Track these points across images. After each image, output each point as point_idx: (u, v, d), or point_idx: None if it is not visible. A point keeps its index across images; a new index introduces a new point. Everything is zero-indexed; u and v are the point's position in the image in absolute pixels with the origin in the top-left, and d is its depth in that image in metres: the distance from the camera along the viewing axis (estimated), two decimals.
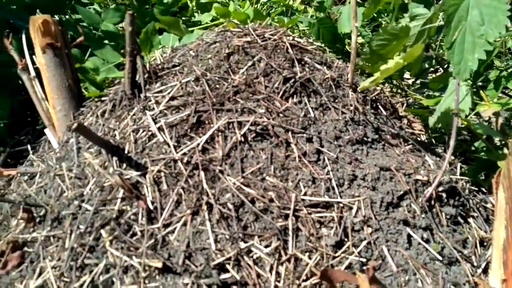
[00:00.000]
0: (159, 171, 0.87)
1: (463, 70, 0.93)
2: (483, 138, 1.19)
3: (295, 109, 0.99)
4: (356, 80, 1.19)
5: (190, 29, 1.69)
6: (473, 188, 1.12)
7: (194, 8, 2.16)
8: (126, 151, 0.91)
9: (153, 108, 0.97)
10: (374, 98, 1.17)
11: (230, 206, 0.82)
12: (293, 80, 1.03)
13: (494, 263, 0.81)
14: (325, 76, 1.08)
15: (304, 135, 0.96)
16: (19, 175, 1.15)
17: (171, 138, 0.90)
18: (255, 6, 2.08)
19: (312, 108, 1.01)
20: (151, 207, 0.84)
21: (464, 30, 0.93)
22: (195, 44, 1.17)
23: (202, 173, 0.86)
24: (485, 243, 0.96)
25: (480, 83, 1.36)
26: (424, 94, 1.64)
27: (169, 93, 1.00)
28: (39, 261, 0.87)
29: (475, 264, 0.90)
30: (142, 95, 1.01)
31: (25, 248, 0.92)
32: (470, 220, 1.00)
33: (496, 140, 1.29)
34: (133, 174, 0.87)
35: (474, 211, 1.03)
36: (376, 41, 1.20)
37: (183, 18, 2.07)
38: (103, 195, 0.87)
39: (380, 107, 1.17)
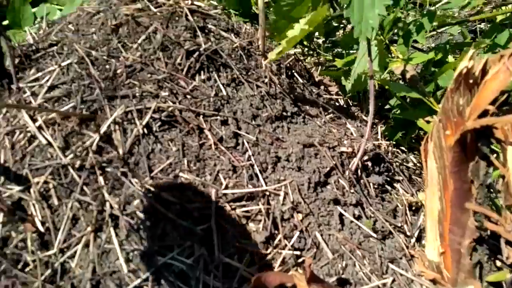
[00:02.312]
0: (45, 182, 0.70)
1: (364, 29, 0.86)
2: (398, 97, 1.16)
3: (204, 88, 0.86)
4: (268, 47, 1.07)
5: None
6: (394, 149, 1.09)
7: None
8: (2, 161, 0.73)
9: (30, 102, 0.79)
10: (288, 65, 1.08)
11: (140, 215, 0.69)
12: (197, 53, 0.89)
13: (429, 234, 0.78)
14: (234, 45, 0.95)
15: (218, 117, 0.83)
16: None
17: (55, 139, 0.73)
18: None
19: (223, 84, 0.88)
20: (42, 229, 0.68)
21: None
22: (74, 16, 0.97)
23: (100, 179, 0.71)
24: (413, 208, 0.94)
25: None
26: (335, 53, 1.59)
27: (47, 80, 0.81)
28: None
29: (408, 233, 0.87)
30: (13, 86, 0.81)
31: None
32: (396, 185, 0.97)
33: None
34: (13, 190, 0.70)
35: (398, 175, 1.00)
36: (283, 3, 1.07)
37: None
38: None
39: (295, 74, 1.08)
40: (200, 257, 0.69)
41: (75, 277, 0.65)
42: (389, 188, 0.93)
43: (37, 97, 0.79)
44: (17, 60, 0.87)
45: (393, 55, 1.28)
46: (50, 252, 0.66)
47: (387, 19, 1.24)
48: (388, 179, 0.94)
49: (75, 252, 0.66)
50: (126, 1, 0.96)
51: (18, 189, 0.70)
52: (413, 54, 1.21)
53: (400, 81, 1.25)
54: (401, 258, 0.80)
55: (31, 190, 0.70)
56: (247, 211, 0.76)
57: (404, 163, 1.05)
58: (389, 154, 0.99)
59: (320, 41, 1.64)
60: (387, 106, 1.28)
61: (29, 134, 0.75)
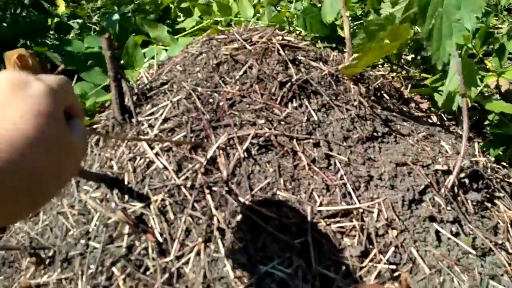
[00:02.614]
0: (163, 199, 0.81)
1: (442, 56, 0.94)
2: (496, 113, 1.13)
3: (296, 114, 0.93)
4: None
5: (175, 37, 1.62)
6: (494, 165, 1.06)
7: (177, 11, 2.09)
8: (126, 182, 0.86)
9: (147, 133, 0.92)
10: (377, 86, 1.11)
11: (244, 229, 0.76)
12: (289, 83, 0.97)
13: None
14: (323, 73, 1.02)
15: (310, 140, 0.90)
16: None
17: (170, 163, 0.84)
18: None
19: (314, 110, 0.95)
20: (160, 239, 0.78)
21: (440, 16, 0.92)
22: (181, 58, 1.11)
23: (208, 197, 0.80)
24: None
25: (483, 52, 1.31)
26: (425, 68, 1.58)
27: (161, 114, 0.94)
28: None
29: (510, 251, 0.84)
30: (133, 120, 0.95)
31: None
32: (497, 201, 0.94)
33: None
34: (136, 206, 0.81)
35: (499, 191, 0.97)
36: (361, 37, 1.13)
37: (167, 22, 2.00)
38: (109, 232, 0.82)
39: (384, 95, 1.11)
40: (299, 267, 0.74)
41: (188, 281, 0.74)
42: (489, 205, 0.91)
43: (153, 128, 0.92)
44: (135, 98, 1.01)
45: (488, 68, 1.26)
46: (168, 259, 0.76)
47: (479, 32, 1.23)
48: (488, 196, 0.92)
49: (189, 259, 0.75)
50: (225, 42, 1.08)
51: (140, 205, 0.81)
52: (509, 67, 1.17)
53: (497, 95, 1.21)
54: (502, 275, 0.77)
55: (151, 207, 0.81)
56: (341, 227, 0.80)
57: (506, 179, 1.02)
58: (488, 170, 0.97)
59: (409, 57, 1.64)
60: (486, 122, 1.24)
61: (147, 160, 0.87)
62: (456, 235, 0.83)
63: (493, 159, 1.09)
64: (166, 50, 1.49)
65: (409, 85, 1.36)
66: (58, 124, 0.39)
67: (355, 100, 0.99)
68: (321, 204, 0.81)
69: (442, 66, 0.98)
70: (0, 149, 0.34)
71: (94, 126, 1.07)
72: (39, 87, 0.39)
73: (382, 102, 1.09)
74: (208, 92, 0.96)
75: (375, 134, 0.95)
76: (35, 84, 0.39)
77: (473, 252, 0.80)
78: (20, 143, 0.35)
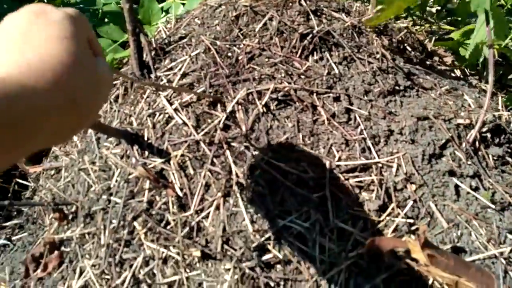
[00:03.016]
0: (182, 155, 0.82)
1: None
2: None
3: (317, 68, 0.91)
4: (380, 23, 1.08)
5: None
6: None
7: None
8: (146, 138, 0.87)
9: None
10: (400, 38, 1.08)
11: (262, 183, 0.77)
12: (310, 35, 0.94)
13: None
14: (345, 25, 0.99)
15: (331, 94, 0.88)
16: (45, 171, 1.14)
17: (189, 119, 0.85)
18: None
19: (335, 63, 0.93)
20: (180, 194, 0.80)
21: None
22: (200, 11, 1.09)
23: (227, 152, 0.81)
24: None
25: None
26: (450, 21, 1.52)
27: (180, 69, 0.93)
28: (78, 260, 0.86)
29: None
30: (152, 76, 0.96)
31: (62, 248, 0.91)
32: None
33: None
34: (156, 162, 0.83)
35: None
36: None
37: None
38: (130, 187, 0.84)
39: (408, 47, 1.08)
40: (316, 221, 0.75)
41: (208, 234, 0.76)
42: (510, 160, 0.89)
43: (172, 84, 0.92)
44: (153, 53, 1.01)
45: None
46: (188, 213, 0.78)
47: None
48: (510, 150, 0.90)
49: (208, 213, 0.77)
50: None
51: (160, 161, 0.83)
52: None
53: None
54: None
55: (171, 162, 0.82)
56: (360, 181, 0.80)
57: None
58: (511, 125, 0.95)
59: (434, 9, 1.57)
60: (510, 76, 1.20)
61: (167, 115, 0.88)
62: (476, 189, 0.82)
63: None
64: (183, 4, 1.46)
65: (433, 38, 1.31)
66: (85, 50, 0.41)
67: (377, 52, 0.96)
68: (339, 159, 0.81)
69: (468, 19, 0.93)
70: (44, 69, 0.35)
71: (113, 83, 1.08)
72: (59, 14, 0.40)
73: (405, 55, 1.05)
74: (227, 46, 0.95)
75: (396, 87, 0.93)
76: (55, 11, 0.41)
77: (492, 206, 0.80)
78: (56, 66, 0.36)
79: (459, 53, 1.16)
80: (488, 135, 0.89)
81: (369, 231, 0.75)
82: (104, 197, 0.86)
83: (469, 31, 1.12)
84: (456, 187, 0.82)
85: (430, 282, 0.72)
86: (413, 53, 1.08)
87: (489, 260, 0.74)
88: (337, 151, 0.82)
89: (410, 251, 0.68)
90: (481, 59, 1.03)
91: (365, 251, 0.72)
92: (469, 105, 0.95)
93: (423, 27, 1.49)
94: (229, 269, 0.73)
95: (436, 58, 1.16)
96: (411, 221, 0.77)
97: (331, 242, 0.74)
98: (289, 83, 0.88)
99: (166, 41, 1.04)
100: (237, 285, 0.72)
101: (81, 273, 0.84)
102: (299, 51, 0.93)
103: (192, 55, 0.95)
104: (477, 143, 0.87)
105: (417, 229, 0.76)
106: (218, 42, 0.95)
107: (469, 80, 1.14)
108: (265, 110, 0.85)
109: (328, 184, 0.78)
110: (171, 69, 0.95)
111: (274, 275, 0.72)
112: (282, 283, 0.72)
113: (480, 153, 0.87)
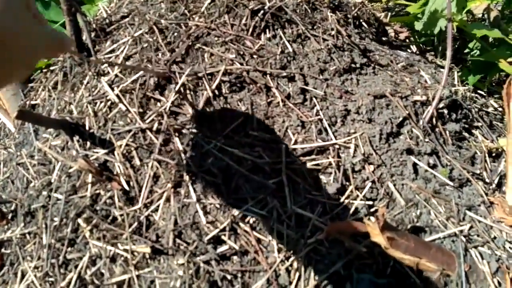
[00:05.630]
0: (127, 144, 0.76)
1: None
2: (478, 39, 1.08)
3: (270, 46, 0.87)
4: None
5: None
6: (472, 94, 1.03)
7: None
8: (87, 127, 0.80)
9: (108, 72, 0.85)
10: (355, 14, 1.04)
11: (215, 171, 0.72)
12: (262, 11, 0.89)
13: (510, 180, 0.74)
14: (299, 0, 0.94)
15: (285, 74, 0.84)
16: None
17: (133, 105, 0.79)
18: None
19: (289, 41, 0.88)
20: (127, 187, 0.74)
21: None
22: None
23: (176, 140, 0.75)
24: (493, 154, 0.89)
25: None
26: None
27: (122, 51, 0.86)
28: (19, 262, 0.79)
29: (487, 180, 0.83)
30: (92, 59, 0.88)
31: (3, 250, 0.84)
32: (475, 131, 0.92)
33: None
34: (99, 153, 0.77)
35: (477, 121, 0.94)
36: None
37: None
38: (71, 181, 0.77)
39: (364, 23, 1.05)
40: (273, 208, 0.71)
41: (159, 229, 0.71)
42: (467, 135, 0.89)
43: (114, 67, 0.85)
44: (93, 34, 0.93)
45: None
46: (135, 207, 0.72)
47: None
48: (466, 126, 0.90)
49: (158, 206, 0.72)
50: None
51: (104, 152, 0.76)
52: None
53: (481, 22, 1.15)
54: (479, 205, 0.76)
55: (115, 153, 0.76)
56: (317, 165, 0.77)
57: (484, 108, 0.99)
58: (467, 99, 0.94)
59: None
60: (465, 50, 1.20)
61: (109, 102, 0.81)
62: (434, 167, 0.81)
63: (471, 87, 1.06)
64: None
65: (389, 14, 1.28)
66: (19, 5, 0.40)
67: (332, 29, 0.92)
68: (296, 142, 0.78)
69: None
70: None
71: (52, 68, 0.99)
72: None
73: (361, 32, 1.02)
74: (173, 25, 0.88)
75: (353, 65, 0.89)
76: None
77: (450, 183, 0.79)
78: None
79: (415, 28, 1.14)
80: (445, 111, 0.87)
81: (328, 215, 0.72)
82: (45, 193, 0.79)
83: (426, 3, 1.10)
84: (414, 165, 0.80)
85: (391, 264, 0.70)
86: (369, 29, 1.05)
87: (449, 238, 0.72)
88: (293, 134, 0.78)
89: (369, 235, 0.65)
90: (435, 31, 1.01)
91: (325, 237, 0.69)
92: (426, 81, 0.93)
93: (379, 3, 1.46)
94: (182, 264, 0.68)
95: (392, 34, 1.14)
96: (370, 202, 0.74)
97: (289, 229, 0.70)
98: (241, 64, 0.83)
99: (107, 21, 0.96)
100: (191, 280, 0.67)
101: (22, 276, 0.78)
102: (251, 29, 0.88)
103: (135, 36, 0.87)
104: (434, 119, 0.86)
105: (376, 210, 0.74)
106: (162, 21, 0.89)
107: (425, 56, 1.12)
108: (216, 93, 0.80)
109: (284, 169, 0.74)
110: (113, 51, 0.88)
111: (231, 268, 0.68)
112: (239, 275, 0.68)
113: (437, 129, 0.86)
